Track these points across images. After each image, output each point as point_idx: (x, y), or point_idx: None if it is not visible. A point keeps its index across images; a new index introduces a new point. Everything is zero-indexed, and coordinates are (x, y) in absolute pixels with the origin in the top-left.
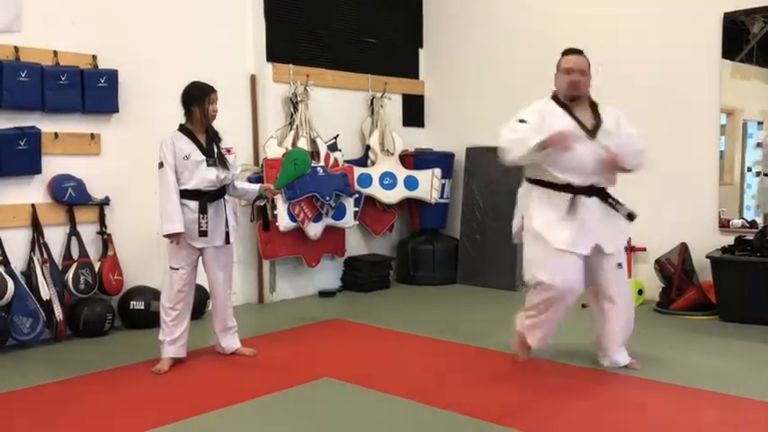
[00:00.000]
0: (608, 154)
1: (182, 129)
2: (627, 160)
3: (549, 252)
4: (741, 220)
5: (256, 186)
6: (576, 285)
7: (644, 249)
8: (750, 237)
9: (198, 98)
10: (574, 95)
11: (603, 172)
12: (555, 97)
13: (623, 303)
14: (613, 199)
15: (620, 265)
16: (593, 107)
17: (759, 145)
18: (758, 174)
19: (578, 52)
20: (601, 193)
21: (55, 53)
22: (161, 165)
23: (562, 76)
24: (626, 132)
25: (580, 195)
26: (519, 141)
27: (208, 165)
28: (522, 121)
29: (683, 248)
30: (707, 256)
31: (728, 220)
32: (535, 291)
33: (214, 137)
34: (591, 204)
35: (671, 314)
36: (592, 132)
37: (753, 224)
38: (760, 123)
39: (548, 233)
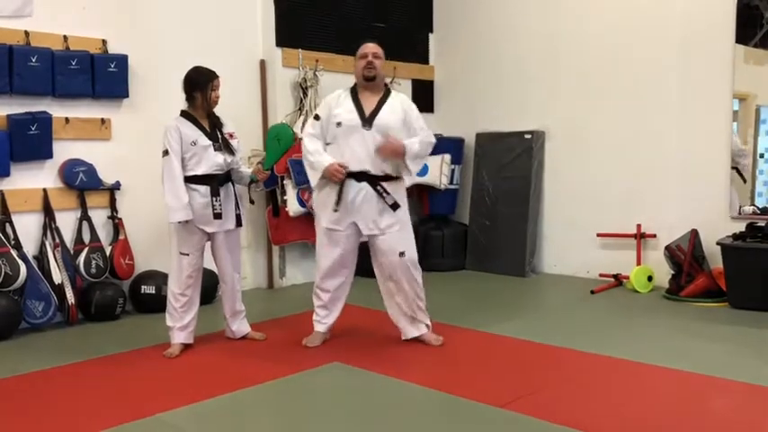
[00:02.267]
0: (384, 141)
1: (184, 114)
2: (410, 150)
3: (320, 230)
4: (752, 207)
5: (249, 170)
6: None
7: (654, 236)
8: (761, 223)
9: (200, 84)
10: (368, 77)
11: (379, 159)
12: (352, 87)
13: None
14: (382, 187)
15: (402, 254)
16: (385, 96)
17: None
18: None
19: (373, 40)
20: (372, 180)
21: (65, 38)
22: (166, 152)
23: (358, 61)
24: (417, 126)
25: (350, 180)
26: (310, 170)
27: (214, 149)
28: (316, 117)
29: (694, 235)
30: (717, 243)
31: (740, 207)
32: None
33: (216, 122)
34: (359, 189)
35: (681, 301)
36: (368, 120)
37: (764, 211)
38: None
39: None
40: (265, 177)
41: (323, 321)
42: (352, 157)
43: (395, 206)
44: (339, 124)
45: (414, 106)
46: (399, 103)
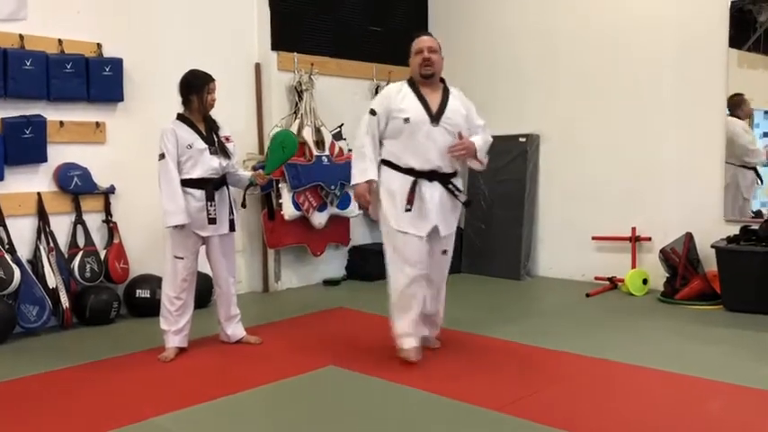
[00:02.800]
0: (457, 141)
1: (181, 117)
2: (479, 149)
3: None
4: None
5: (248, 174)
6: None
7: (649, 239)
8: (755, 227)
9: (196, 87)
10: (425, 74)
11: (451, 157)
12: (410, 80)
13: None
14: (453, 185)
15: (444, 251)
16: (446, 91)
17: (766, 135)
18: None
19: (428, 34)
20: (442, 178)
21: (60, 41)
22: (162, 156)
23: (414, 57)
24: (476, 123)
25: (422, 180)
26: (355, 170)
27: (210, 153)
28: (372, 112)
29: (689, 238)
30: (712, 246)
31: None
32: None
33: (212, 125)
34: (431, 189)
35: (675, 304)
36: (435, 117)
37: (758, 214)
38: (767, 113)
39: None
40: (265, 182)
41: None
42: (421, 155)
43: (468, 203)
44: (407, 120)
45: (472, 104)
46: (461, 99)
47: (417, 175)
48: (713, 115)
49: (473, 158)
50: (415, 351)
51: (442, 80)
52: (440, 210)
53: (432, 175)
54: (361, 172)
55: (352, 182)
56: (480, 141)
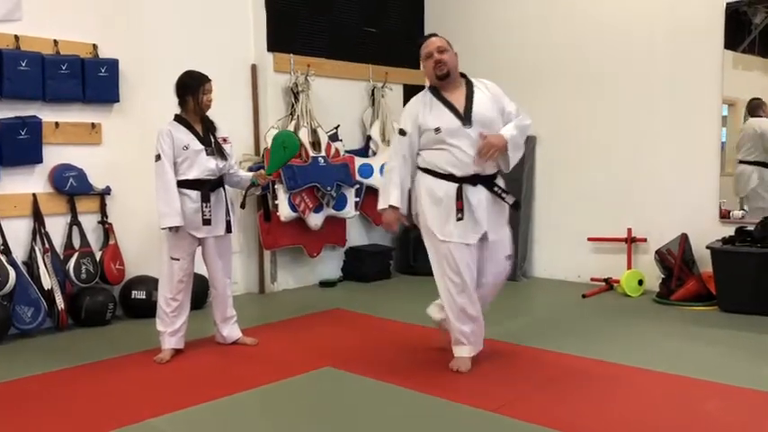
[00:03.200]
0: (482, 142)
1: (177, 118)
2: (511, 140)
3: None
4: (741, 212)
5: (249, 174)
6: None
7: (644, 240)
8: (750, 227)
9: (192, 88)
10: (440, 76)
11: (482, 160)
12: (431, 87)
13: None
14: (499, 187)
15: (509, 256)
16: (470, 87)
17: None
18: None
19: (434, 35)
20: (486, 181)
21: (55, 42)
22: (158, 157)
23: (425, 62)
24: (507, 110)
25: (467, 185)
26: (383, 192)
27: (207, 154)
28: (401, 132)
29: (684, 239)
30: (707, 247)
31: (729, 211)
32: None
33: (210, 126)
34: (477, 193)
35: (671, 305)
36: (466, 118)
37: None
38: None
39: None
40: (266, 182)
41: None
42: (460, 161)
43: (516, 205)
44: (438, 130)
45: (499, 89)
46: (487, 91)
47: (460, 180)
48: (709, 116)
49: (505, 153)
50: (465, 362)
51: (463, 75)
52: (488, 214)
53: (474, 179)
54: (386, 197)
55: (379, 207)
56: (513, 130)
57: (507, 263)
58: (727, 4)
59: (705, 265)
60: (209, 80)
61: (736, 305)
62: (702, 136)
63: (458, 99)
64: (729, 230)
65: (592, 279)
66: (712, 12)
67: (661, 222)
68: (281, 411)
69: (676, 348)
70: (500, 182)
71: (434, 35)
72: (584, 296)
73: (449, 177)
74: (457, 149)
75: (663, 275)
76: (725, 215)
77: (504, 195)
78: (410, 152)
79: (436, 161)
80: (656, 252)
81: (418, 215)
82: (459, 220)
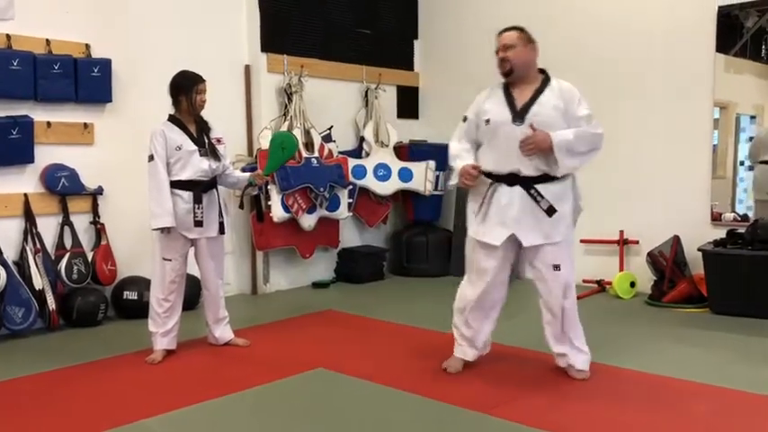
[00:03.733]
0: (527, 134)
1: (171, 119)
2: (559, 141)
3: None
4: (733, 214)
5: (246, 175)
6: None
7: (636, 242)
8: (742, 230)
9: (185, 88)
10: (503, 73)
11: (524, 155)
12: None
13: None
14: (536, 190)
15: (556, 267)
16: (542, 86)
17: (751, 139)
18: (751, 166)
19: (509, 29)
20: (524, 183)
21: (48, 42)
22: (151, 157)
23: (497, 57)
24: (576, 116)
25: (500, 184)
26: (452, 169)
27: (200, 155)
28: (464, 119)
29: (676, 241)
30: (699, 249)
31: (720, 214)
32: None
33: (204, 127)
34: (510, 193)
35: (663, 307)
36: (519, 114)
37: (744, 218)
38: (753, 117)
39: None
40: (264, 182)
41: (467, 349)
42: (501, 157)
43: (550, 210)
44: (488, 122)
45: (577, 94)
46: (559, 93)
47: (495, 178)
48: (700, 119)
49: (549, 154)
50: (456, 362)
51: (543, 71)
52: (520, 217)
53: (511, 179)
54: (457, 164)
55: (454, 179)
56: (569, 135)
57: (555, 275)
58: (720, 7)
59: (697, 267)
60: (203, 80)
61: (728, 307)
62: (694, 139)
63: (523, 95)
64: (721, 233)
65: (584, 281)
66: (704, 15)
67: (653, 224)
68: (273, 412)
69: (668, 350)
70: (556, 186)
71: (512, 29)
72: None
73: (487, 175)
74: (499, 145)
75: (655, 277)
76: (716, 218)
77: (538, 199)
78: (468, 138)
79: (482, 157)
80: (648, 254)
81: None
82: (475, 214)
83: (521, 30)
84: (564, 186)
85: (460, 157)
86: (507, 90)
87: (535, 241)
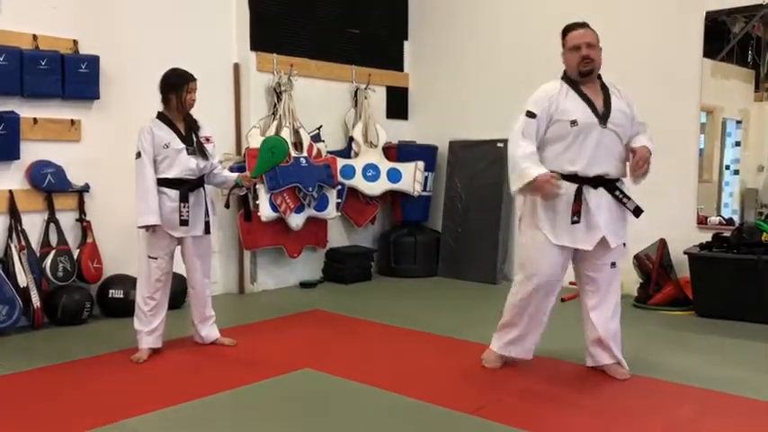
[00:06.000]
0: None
1: (160, 116)
2: (653, 152)
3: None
4: (719, 218)
5: (234, 175)
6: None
7: (623, 245)
8: (727, 234)
9: (176, 86)
10: (584, 72)
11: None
12: (565, 77)
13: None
14: (621, 192)
15: (613, 264)
16: (605, 89)
17: (737, 144)
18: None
19: (584, 25)
20: (608, 185)
21: (35, 37)
22: (138, 155)
23: (570, 53)
24: (637, 120)
25: (587, 187)
26: (518, 173)
27: (188, 153)
28: (530, 114)
29: (662, 244)
30: (685, 253)
31: (706, 217)
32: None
33: (192, 125)
34: (597, 196)
35: (649, 309)
36: (603, 118)
37: (730, 221)
38: (739, 122)
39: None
40: (251, 184)
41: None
42: (587, 160)
43: (637, 211)
44: (574, 123)
45: (631, 98)
46: (620, 96)
47: (581, 181)
48: (687, 124)
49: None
50: (490, 355)
51: (599, 76)
52: (609, 219)
53: (597, 182)
54: (527, 171)
55: (518, 183)
56: (650, 143)
57: (613, 271)
58: (707, 12)
59: (683, 270)
60: (195, 79)
61: (713, 310)
62: (681, 143)
63: (595, 96)
64: (707, 236)
65: (571, 283)
66: (692, 20)
67: (639, 227)
68: (258, 412)
69: (653, 352)
70: (623, 187)
71: (585, 25)
72: (563, 300)
73: (570, 177)
74: (588, 148)
75: (641, 280)
76: (702, 221)
77: (625, 201)
78: (536, 137)
79: (560, 158)
80: (635, 257)
81: (523, 217)
82: (574, 222)
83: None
84: (624, 186)
85: (531, 161)
86: (579, 89)
87: (616, 242)
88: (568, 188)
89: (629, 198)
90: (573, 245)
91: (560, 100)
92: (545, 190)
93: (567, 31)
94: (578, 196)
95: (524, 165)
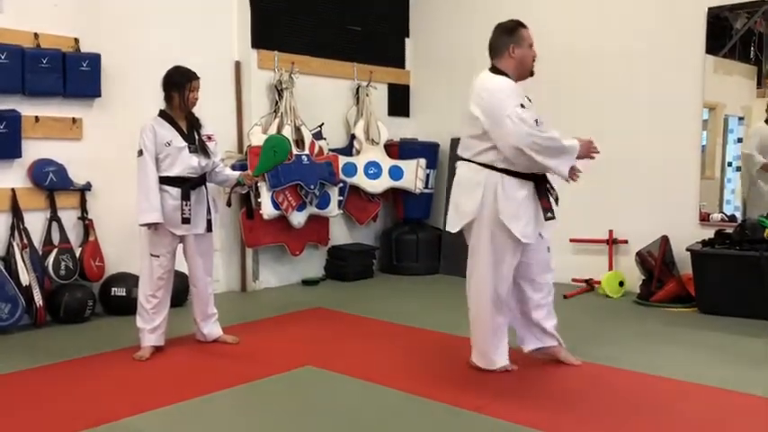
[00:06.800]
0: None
1: (162, 114)
2: None
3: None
4: (721, 215)
5: (236, 173)
6: None
7: (625, 242)
8: (729, 230)
9: (178, 84)
10: (533, 72)
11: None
12: (505, 74)
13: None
14: (550, 184)
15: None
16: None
17: (740, 140)
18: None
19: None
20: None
21: (36, 35)
22: (140, 152)
23: (528, 51)
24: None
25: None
26: (555, 149)
27: (190, 151)
28: (522, 105)
29: (664, 241)
30: (687, 249)
31: (709, 214)
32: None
33: (195, 123)
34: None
35: (651, 306)
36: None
37: (732, 218)
38: (741, 119)
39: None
40: (252, 183)
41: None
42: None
43: (556, 200)
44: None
45: None
46: None
47: (531, 177)
48: (690, 120)
49: None
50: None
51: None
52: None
53: (537, 176)
54: (572, 142)
55: (569, 162)
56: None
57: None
58: (709, 8)
59: (685, 267)
60: (198, 78)
61: (715, 307)
62: (683, 139)
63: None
64: (709, 233)
65: (573, 280)
66: (694, 16)
67: (642, 224)
68: (260, 410)
69: (655, 349)
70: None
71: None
72: (565, 297)
73: (524, 174)
74: None
75: (643, 277)
76: (705, 218)
77: (552, 192)
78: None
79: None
80: (637, 254)
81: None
82: (548, 219)
83: None
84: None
85: (560, 137)
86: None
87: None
88: (529, 186)
89: (554, 188)
90: (533, 241)
91: (522, 93)
92: (590, 153)
93: (519, 26)
94: (548, 189)
95: (562, 141)
